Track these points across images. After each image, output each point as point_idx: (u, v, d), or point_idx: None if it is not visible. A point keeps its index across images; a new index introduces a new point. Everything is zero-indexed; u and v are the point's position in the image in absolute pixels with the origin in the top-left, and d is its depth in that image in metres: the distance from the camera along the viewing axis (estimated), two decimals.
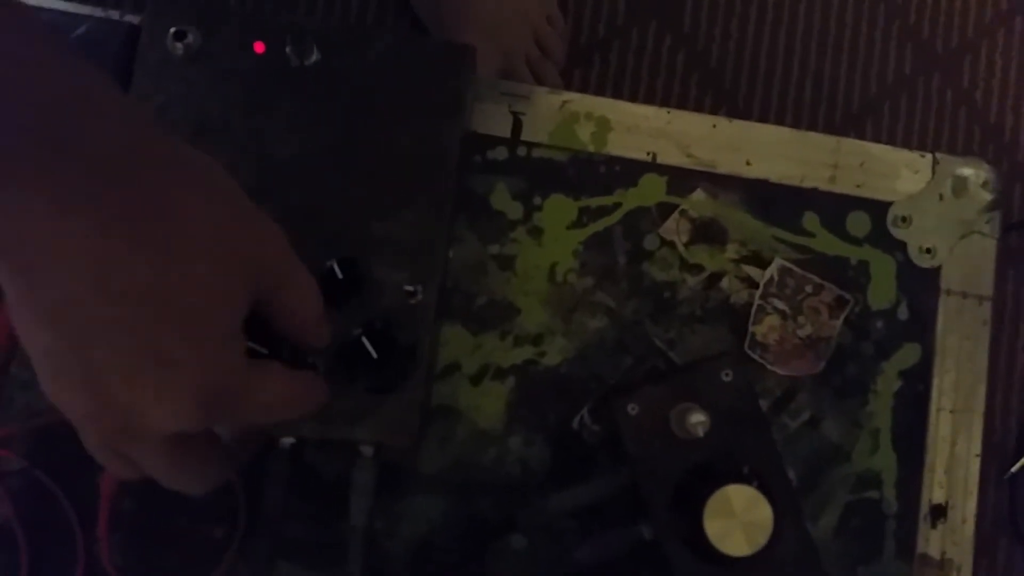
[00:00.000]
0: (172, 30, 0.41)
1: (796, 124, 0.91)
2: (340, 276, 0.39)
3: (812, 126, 0.91)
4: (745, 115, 0.90)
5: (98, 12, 0.44)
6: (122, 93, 0.31)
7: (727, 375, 0.38)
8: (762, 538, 0.36)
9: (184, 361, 0.29)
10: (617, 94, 0.89)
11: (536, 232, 0.46)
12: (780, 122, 0.90)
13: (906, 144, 0.91)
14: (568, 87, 0.87)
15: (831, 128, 0.91)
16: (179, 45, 0.41)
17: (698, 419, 0.36)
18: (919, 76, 0.92)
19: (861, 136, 0.90)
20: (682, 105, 0.90)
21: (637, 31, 0.89)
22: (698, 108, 0.90)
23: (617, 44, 0.89)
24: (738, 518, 0.36)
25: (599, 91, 0.88)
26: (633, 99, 0.87)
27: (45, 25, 0.29)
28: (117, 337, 0.29)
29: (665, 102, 0.89)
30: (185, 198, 0.30)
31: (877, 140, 0.90)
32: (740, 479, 0.36)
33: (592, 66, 0.89)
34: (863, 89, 0.91)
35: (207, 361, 0.30)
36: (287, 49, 0.41)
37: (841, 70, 0.91)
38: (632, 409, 0.38)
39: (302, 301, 0.35)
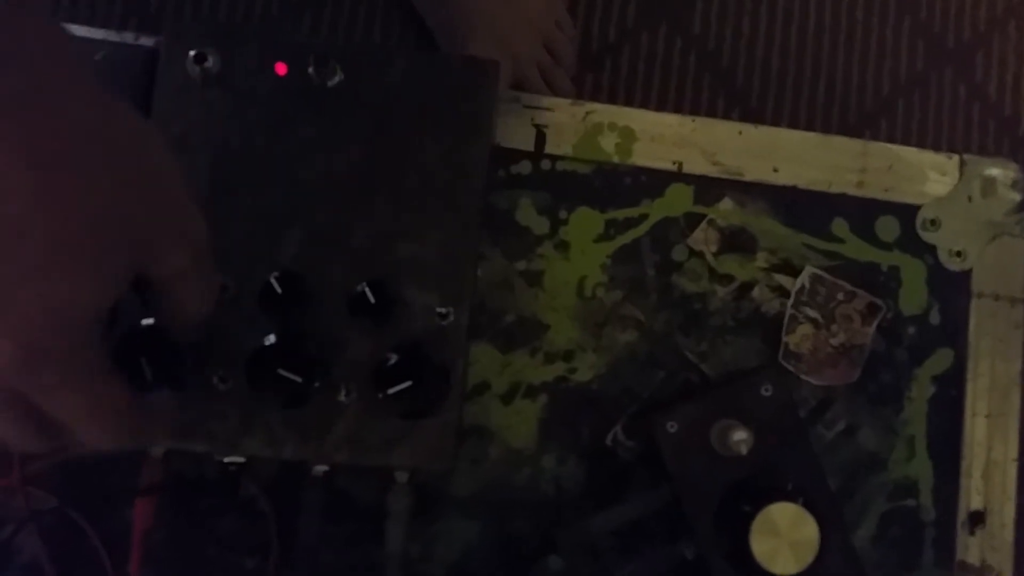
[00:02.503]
0: (191, 53, 0.40)
1: (810, 123, 0.90)
2: (372, 300, 0.38)
3: (827, 125, 0.90)
4: (759, 115, 0.90)
5: (113, 36, 0.44)
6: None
7: (767, 390, 0.38)
8: (809, 556, 0.35)
9: (26, 311, 0.27)
10: (629, 98, 0.88)
11: (563, 246, 0.46)
12: (794, 122, 0.90)
13: (922, 140, 0.91)
14: (580, 93, 0.86)
15: (846, 127, 0.91)
16: (199, 68, 0.40)
17: (741, 436, 0.36)
18: (932, 72, 0.91)
19: (876, 133, 0.90)
20: (695, 107, 0.89)
21: (647, 34, 0.89)
22: (711, 109, 0.89)
23: (628, 48, 0.89)
24: (784, 537, 0.35)
25: (611, 95, 0.87)
26: (645, 102, 0.87)
27: None
28: None
29: (678, 105, 0.88)
30: (81, 141, 0.28)
31: (892, 137, 0.90)
32: (784, 495, 0.36)
33: (603, 70, 0.88)
34: (876, 86, 0.91)
35: (51, 322, 0.28)
36: (309, 70, 0.40)
37: (853, 67, 0.91)
38: (671, 427, 0.38)
39: (189, 304, 0.33)
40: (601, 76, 0.87)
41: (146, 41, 0.44)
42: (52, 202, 0.27)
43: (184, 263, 0.32)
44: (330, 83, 0.41)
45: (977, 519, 0.45)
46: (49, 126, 0.28)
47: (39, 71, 0.28)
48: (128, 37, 0.44)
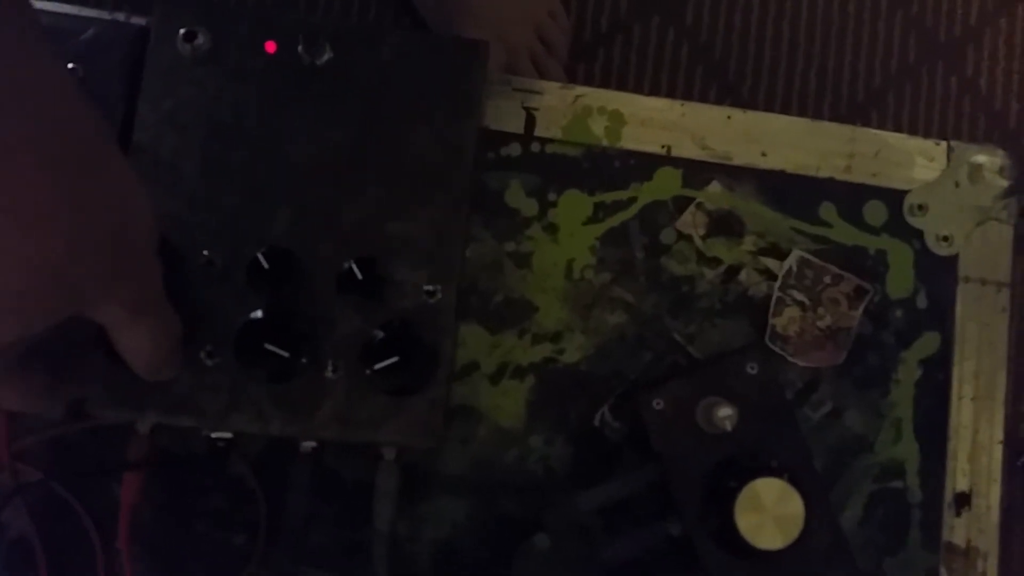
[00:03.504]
0: (182, 31, 0.40)
1: (802, 115, 0.90)
2: (359, 277, 0.38)
3: (818, 116, 0.90)
4: (750, 107, 0.89)
5: (104, 15, 0.44)
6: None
7: (752, 368, 0.38)
8: (794, 531, 0.35)
9: None
10: (621, 88, 0.88)
11: (552, 229, 0.46)
12: (786, 113, 0.90)
13: (912, 132, 0.91)
14: (572, 82, 0.86)
15: (837, 118, 0.91)
16: (189, 46, 0.40)
17: (726, 413, 0.36)
18: (923, 65, 0.91)
19: (867, 125, 0.90)
20: (687, 98, 0.89)
21: (640, 25, 0.89)
22: (703, 101, 0.90)
23: (620, 38, 0.89)
24: (770, 512, 0.35)
25: (603, 86, 0.87)
26: (638, 93, 0.87)
27: None
28: None
29: (670, 96, 0.88)
30: (72, 204, 0.27)
31: (883, 129, 0.90)
32: (769, 472, 0.36)
33: (596, 61, 0.88)
34: (868, 79, 0.91)
35: None
36: (299, 48, 0.41)
37: (845, 60, 0.91)
38: (658, 404, 0.38)
39: (135, 351, 0.33)
40: (593, 66, 0.88)
41: (138, 20, 0.44)
42: None
43: (121, 314, 0.31)
44: (319, 62, 0.41)
45: (963, 501, 0.45)
46: (15, 156, 0.26)
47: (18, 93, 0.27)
48: (119, 16, 0.44)
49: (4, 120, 0.26)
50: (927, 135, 0.49)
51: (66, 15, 0.43)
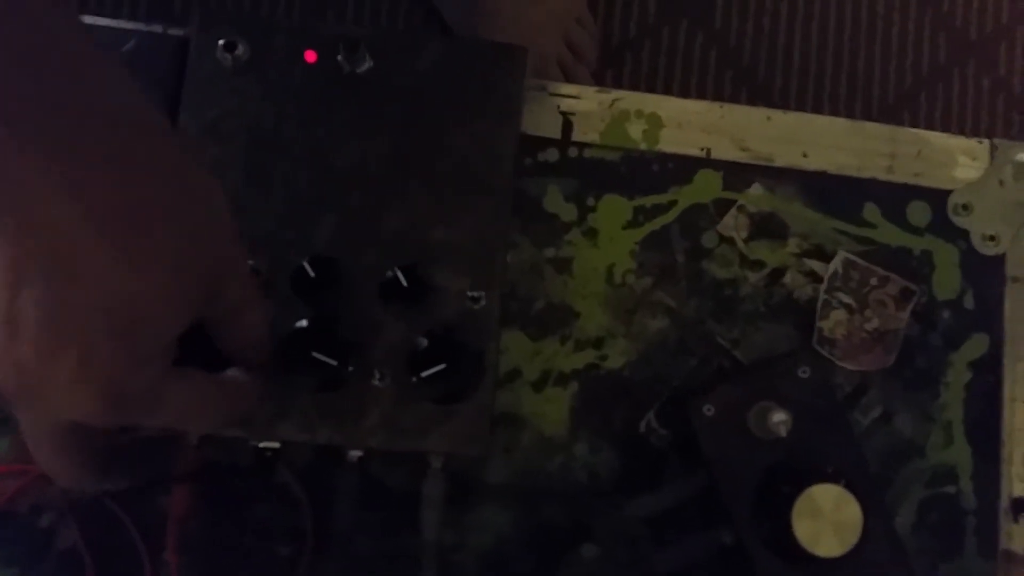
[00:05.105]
0: (221, 42, 0.40)
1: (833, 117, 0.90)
2: (404, 284, 0.38)
3: (850, 118, 0.90)
4: (781, 110, 0.89)
5: (142, 27, 0.44)
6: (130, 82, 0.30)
7: (804, 372, 0.37)
8: (852, 537, 0.34)
9: (106, 359, 0.28)
10: (651, 94, 0.88)
11: (591, 233, 0.45)
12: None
13: (946, 132, 0.90)
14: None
15: (869, 120, 0.90)
16: (229, 56, 0.40)
17: (780, 418, 0.35)
18: (954, 65, 0.91)
19: (900, 126, 0.89)
20: (717, 101, 0.89)
21: (668, 30, 0.89)
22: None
23: (648, 44, 0.89)
24: (827, 518, 0.35)
25: (633, 91, 0.87)
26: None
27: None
28: (50, 306, 0.27)
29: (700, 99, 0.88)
30: (167, 197, 0.29)
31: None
32: (825, 478, 0.35)
33: (624, 66, 0.88)
34: (898, 80, 0.90)
35: (130, 367, 0.29)
36: (339, 57, 0.40)
37: (875, 62, 0.90)
38: (708, 410, 0.38)
39: (250, 330, 0.34)
40: (622, 72, 0.87)
41: (176, 32, 0.44)
42: (123, 253, 0.28)
43: (243, 294, 0.33)
44: (359, 70, 0.41)
45: (1020, 506, 0.44)
46: (119, 175, 0.28)
47: (105, 113, 0.28)
48: (156, 28, 0.44)
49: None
50: (960, 135, 0.48)
51: (106, 27, 0.43)
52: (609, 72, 0.88)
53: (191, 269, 0.30)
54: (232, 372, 0.36)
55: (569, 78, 0.83)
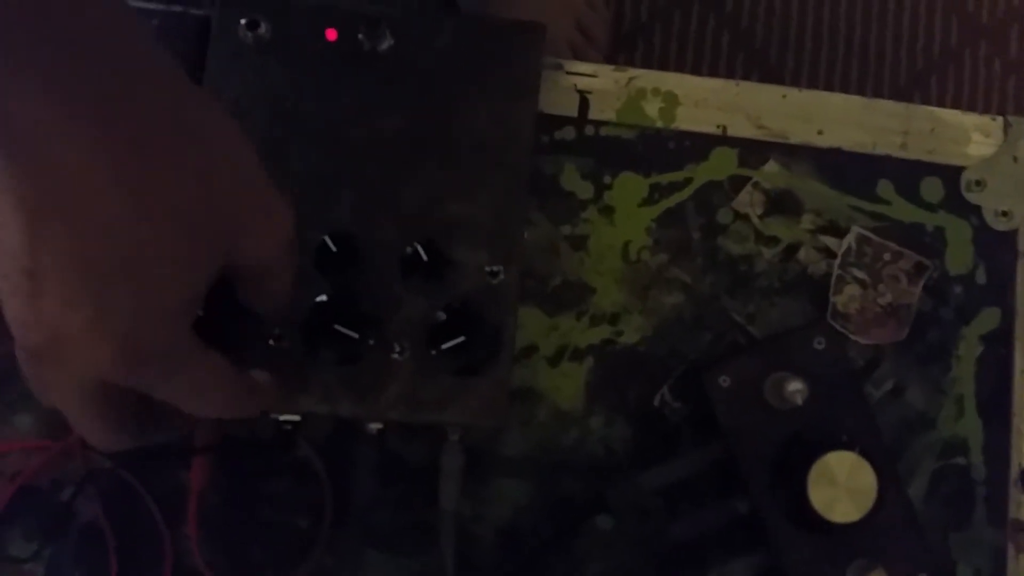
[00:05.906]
0: (243, 20, 0.41)
1: None
2: (424, 259, 0.39)
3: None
4: None
5: (164, 7, 0.44)
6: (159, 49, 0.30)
7: (820, 343, 0.38)
8: (867, 503, 0.35)
9: (125, 311, 0.28)
10: None
11: (607, 211, 0.46)
12: None
13: None
14: None
15: None
16: (251, 35, 0.41)
17: (796, 387, 0.36)
18: (966, 47, 0.91)
19: None
20: None
21: (680, 13, 0.89)
22: None
23: (660, 27, 0.89)
24: (842, 485, 0.35)
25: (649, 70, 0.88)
26: None
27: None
28: (68, 254, 0.27)
29: None
30: (180, 140, 0.28)
31: None
32: (839, 446, 0.36)
33: (636, 50, 0.88)
34: (910, 62, 0.90)
35: (148, 321, 0.28)
36: (360, 35, 0.41)
37: (887, 44, 0.90)
38: (724, 381, 0.38)
39: (270, 296, 0.34)
40: (634, 56, 0.88)
41: (196, 12, 0.44)
42: (137, 198, 0.28)
43: (273, 253, 0.32)
44: (380, 48, 0.41)
45: None
46: (130, 117, 0.28)
47: (113, 55, 0.28)
48: (177, 8, 0.45)
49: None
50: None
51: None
52: (621, 56, 0.88)
53: (206, 213, 0.29)
54: (256, 373, 0.36)
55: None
